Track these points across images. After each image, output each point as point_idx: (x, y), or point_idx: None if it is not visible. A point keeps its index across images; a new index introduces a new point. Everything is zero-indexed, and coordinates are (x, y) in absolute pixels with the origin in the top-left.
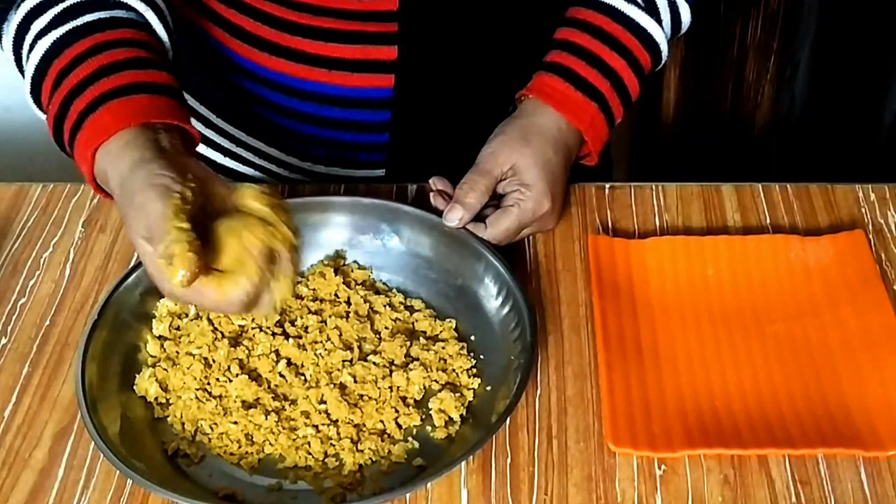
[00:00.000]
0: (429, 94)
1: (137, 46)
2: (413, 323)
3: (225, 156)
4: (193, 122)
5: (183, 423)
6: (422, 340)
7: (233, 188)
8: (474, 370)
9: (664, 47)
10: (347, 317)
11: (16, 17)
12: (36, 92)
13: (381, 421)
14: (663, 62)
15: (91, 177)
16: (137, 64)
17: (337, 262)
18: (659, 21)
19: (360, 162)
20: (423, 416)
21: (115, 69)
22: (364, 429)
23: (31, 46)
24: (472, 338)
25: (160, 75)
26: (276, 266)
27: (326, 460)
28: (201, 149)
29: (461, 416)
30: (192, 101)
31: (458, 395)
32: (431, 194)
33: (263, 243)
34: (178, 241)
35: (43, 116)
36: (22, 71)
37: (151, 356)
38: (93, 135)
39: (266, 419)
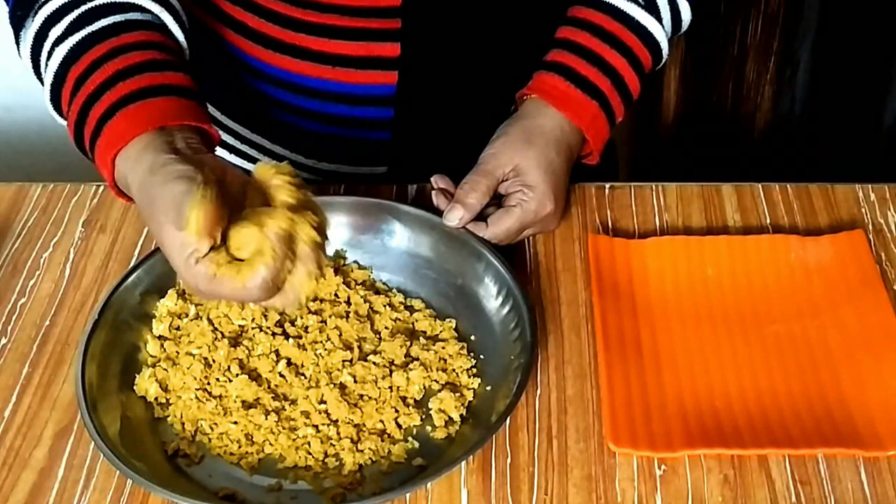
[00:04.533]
0: (432, 91)
1: (153, 49)
2: (413, 323)
3: (230, 153)
4: None
5: (183, 423)
6: (422, 340)
7: (249, 180)
8: (474, 370)
9: (664, 45)
10: (347, 317)
11: (33, 25)
12: (56, 99)
13: (381, 421)
14: (664, 60)
15: (112, 182)
16: (154, 66)
17: (337, 262)
18: (659, 19)
19: (363, 159)
20: (423, 416)
21: (132, 73)
22: (364, 429)
23: (50, 53)
24: (472, 338)
25: (176, 77)
26: (297, 257)
27: (326, 460)
28: None
29: (461, 416)
30: None
31: (458, 395)
32: (433, 193)
33: (283, 229)
34: (200, 199)
35: (63, 122)
36: (41, 78)
37: (151, 356)
38: (111, 140)
39: (266, 419)
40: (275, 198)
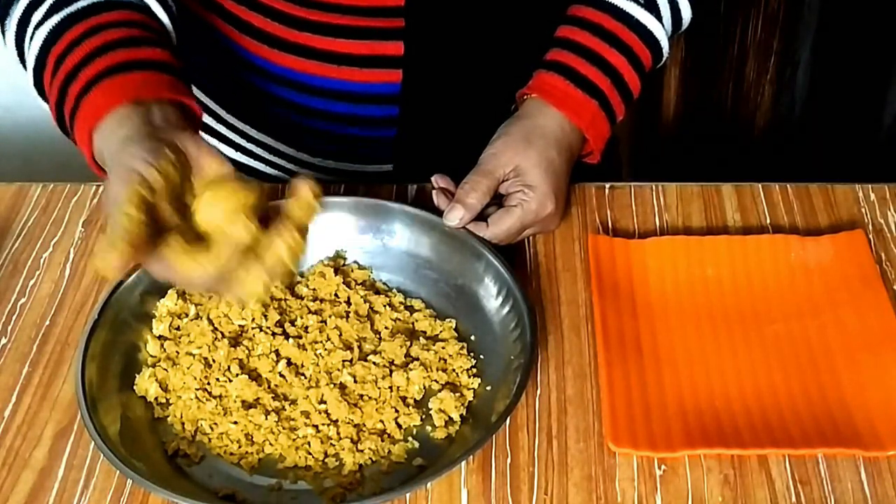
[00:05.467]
0: (436, 90)
1: (132, 26)
2: (413, 323)
3: (236, 150)
4: (204, 117)
5: (183, 423)
6: (422, 340)
7: (225, 163)
8: (474, 370)
9: (665, 44)
10: (347, 317)
11: (16, 11)
12: (38, 82)
13: (381, 421)
14: (664, 59)
15: (91, 158)
16: (131, 42)
17: (337, 262)
18: (659, 17)
19: (368, 157)
20: (423, 416)
21: (109, 48)
22: (364, 429)
23: (32, 37)
24: (472, 338)
25: (154, 52)
26: (253, 262)
27: (326, 460)
28: (213, 143)
29: (461, 416)
30: (202, 97)
31: (458, 395)
32: (434, 192)
33: (247, 237)
34: (119, 221)
35: (47, 108)
36: (25, 64)
37: (151, 356)
38: (88, 116)
39: (266, 419)
40: (288, 214)
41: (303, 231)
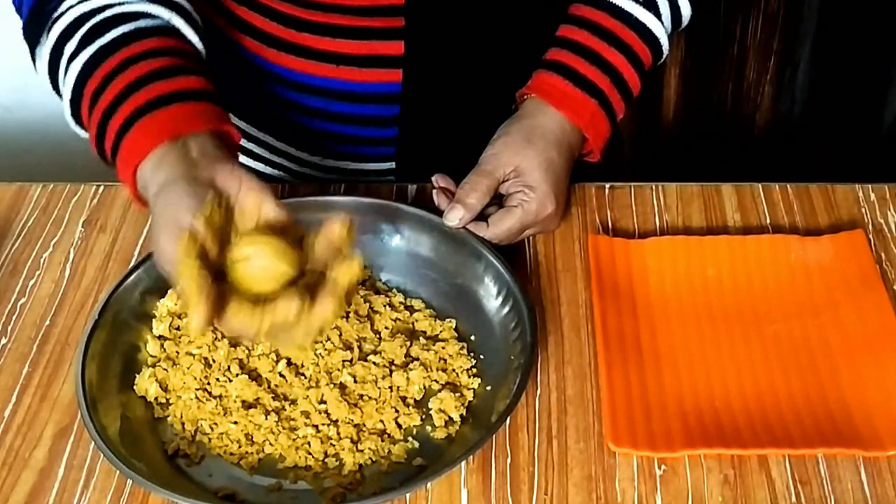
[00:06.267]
0: (437, 89)
1: (165, 55)
2: (413, 323)
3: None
4: None
5: (183, 423)
6: (422, 340)
7: (266, 196)
8: (474, 370)
9: (664, 42)
10: (347, 317)
11: (48, 42)
12: (76, 114)
13: (381, 421)
14: (664, 57)
15: (136, 196)
16: (165, 73)
17: None
18: (658, 15)
19: (369, 156)
20: (423, 416)
21: (144, 83)
22: (364, 429)
23: (66, 70)
24: (472, 338)
25: (189, 81)
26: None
27: (326, 460)
28: None
29: (461, 416)
30: None
31: (458, 395)
32: (434, 192)
33: (294, 312)
34: (188, 281)
35: (85, 135)
36: (60, 94)
37: (151, 356)
38: (129, 156)
39: (266, 419)
40: (334, 276)
41: (348, 294)
